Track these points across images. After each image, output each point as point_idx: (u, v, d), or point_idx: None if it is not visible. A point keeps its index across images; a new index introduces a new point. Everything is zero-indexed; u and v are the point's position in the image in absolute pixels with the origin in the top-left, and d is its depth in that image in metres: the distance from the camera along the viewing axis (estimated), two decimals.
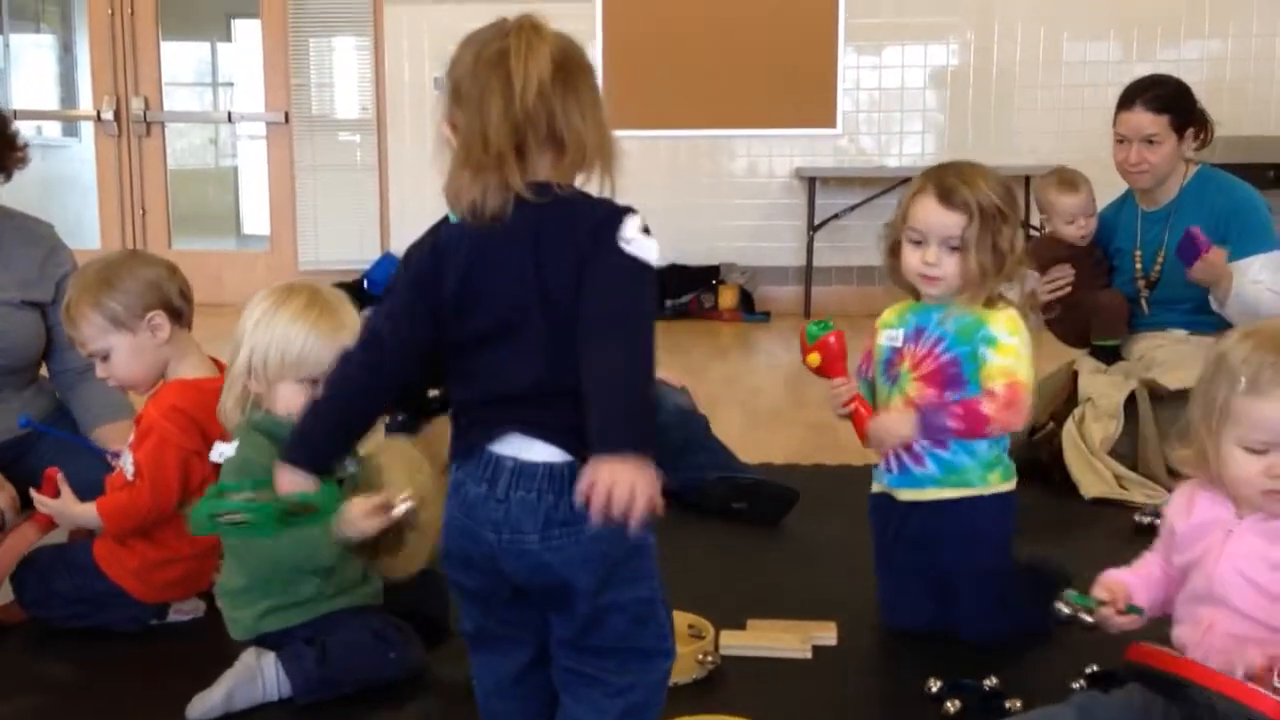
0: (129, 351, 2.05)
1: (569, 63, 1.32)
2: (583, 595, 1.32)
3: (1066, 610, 1.66)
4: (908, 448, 1.95)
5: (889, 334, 1.99)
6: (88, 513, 2.01)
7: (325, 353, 1.78)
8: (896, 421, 1.93)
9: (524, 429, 1.32)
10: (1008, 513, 1.99)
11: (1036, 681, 1.80)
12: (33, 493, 2.06)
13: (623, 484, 1.17)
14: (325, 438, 1.44)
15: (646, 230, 1.30)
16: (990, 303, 1.92)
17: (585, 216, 1.31)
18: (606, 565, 1.32)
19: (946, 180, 1.88)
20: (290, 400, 1.82)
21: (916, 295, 1.99)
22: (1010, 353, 1.89)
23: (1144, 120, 2.99)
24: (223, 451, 1.83)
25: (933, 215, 1.88)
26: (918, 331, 1.95)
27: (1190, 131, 3.01)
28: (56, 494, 2.04)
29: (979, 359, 1.90)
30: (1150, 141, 2.99)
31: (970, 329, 1.90)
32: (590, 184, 1.35)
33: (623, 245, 1.28)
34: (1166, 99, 3.01)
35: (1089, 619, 1.64)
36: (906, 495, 1.98)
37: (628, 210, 1.31)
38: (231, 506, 1.51)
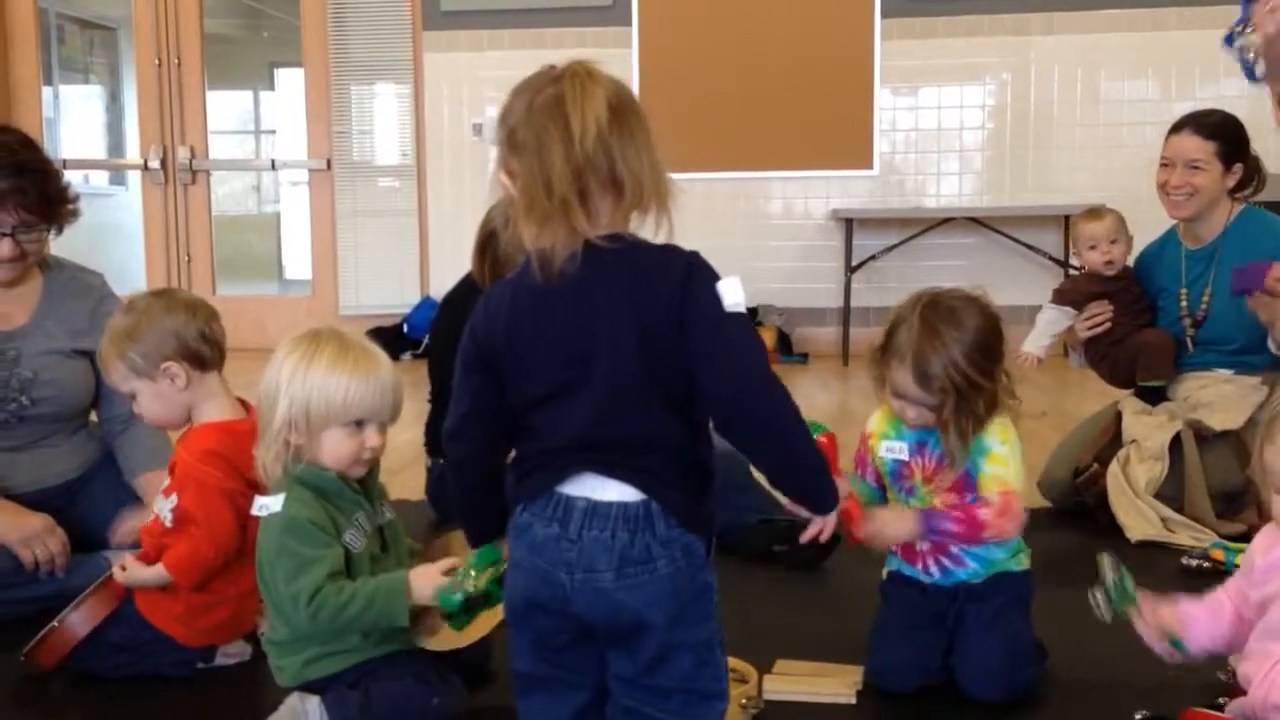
0: (152, 396, 2.08)
1: (623, 105, 1.34)
2: (654, 633, 1.33)
3: (1100, 595, 1.77)
4: (945, 551, 1.98)
5: (889, 445, 2.01)
6: (158, 573, 2.02)
7: (369, 394, 1.80)
8: (895, 521, 1.96)
9: (596, 469, 1.33)
10: (1031, 585, 2.04)
11: None
12: (115, 569, 2.08)
13: (830, 529, 1.50)
14: (490, 522, 1.50)
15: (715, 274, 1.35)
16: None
17: (661, 269, 1.33)
18: (679, 603, 1.34)
19: (924, 357, 1.87)
20: (337, 447, 1.82)
21: None
22: (1000, 461, 1.93)
23: (1190, 144, 2.97)
24: (265, 505, 1.82)
25: (910, 390, 1.91)
26: (920, 444, 1.98)
27: (1237, 168, 2.98)
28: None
29: (975, 467, 1.94)
30: (1194, 167, 2.96)
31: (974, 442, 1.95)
32: (645, 224, 1.37)
33: (726, 308, 1.32)
34: (1215, 126, 3.00)
35: (1104, 614, 1.76)
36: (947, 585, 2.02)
37: (703, 263, 1.34)
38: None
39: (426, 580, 1.76)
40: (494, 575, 1.65)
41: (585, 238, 1.32)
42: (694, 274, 1.33)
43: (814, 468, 1.42)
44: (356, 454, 1.83)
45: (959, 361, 1.86)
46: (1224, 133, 2.99)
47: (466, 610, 1.69)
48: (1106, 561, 1.81)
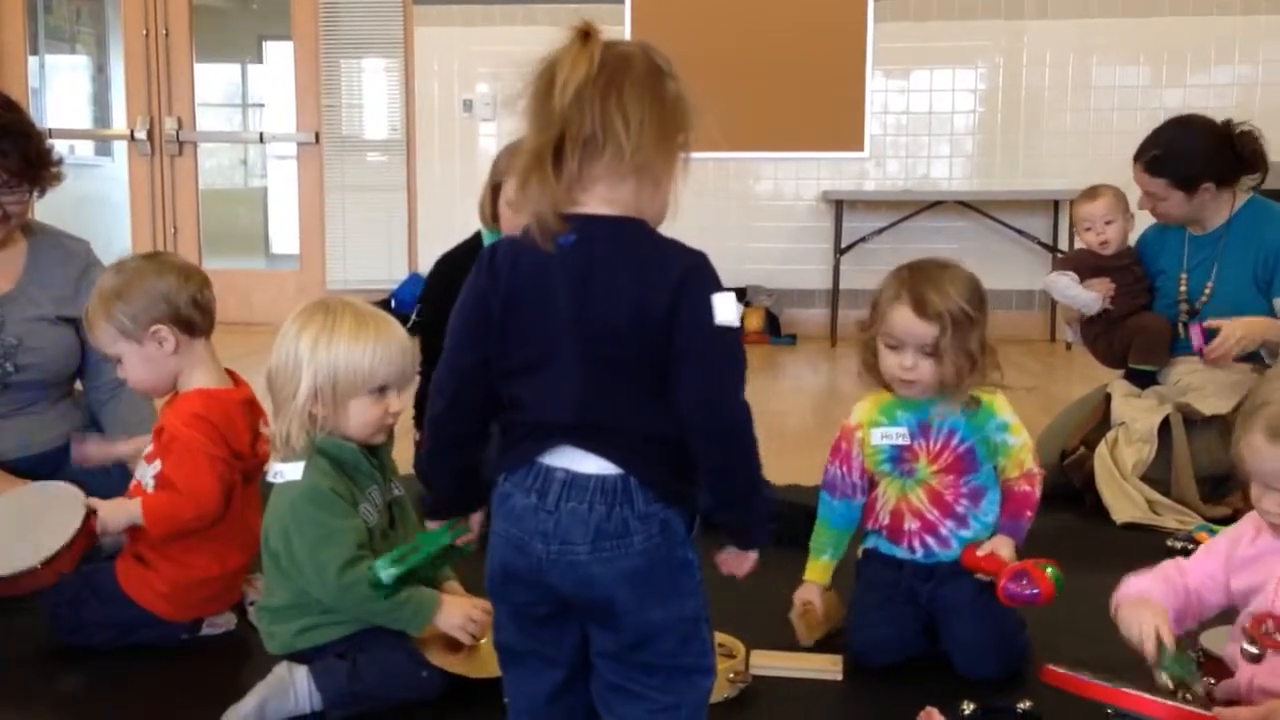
0: (138, 359, 2.06)
1: (620, 65, 1.29)
2: (628, 609, 1.32)
3: (1170, 684, 1.61)
4: (934, 531, 2.03)
5: (884, 432, 2.04)
6: (131, 510, 1.98)
7: (392, 359, 1.84)
8: (1005, 550, 1.98)
9: (576, 443, 1.32)
10: None
11: (1071, 705, 1.78)
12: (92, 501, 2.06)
13: (748, 568, 1.44)
14: (456, 491, 1.47)
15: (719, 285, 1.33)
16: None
17: (664, 264, 1.31)
18: (653, 580, 1.33)
19: (920, 290, 1.95)
20: (363, 413, 1.84)
21: (887, 385, 2.05)
22: (1020, 429, 2.04)
23: (1143, 180, 2.98)
24: (280, 472, 1.82)
25: (909, 324, 1.95)
26: (923, 427, 2.02)
27: (1206, 185, 2.92)
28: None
29: (998, 444, 2.01)
30: (1155, 198, 2.97)
31: (980, 419, 2.01)
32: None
33: (716, 322, 1.30)
34: (1162, 163, 2.92)
35: (1197, 688, 1.61)
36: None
37: (707, 269, 1.32)
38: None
39: (455, 611, 1.83)
40: (426, 558, 1.68)
41: (572, 204, 1.30)
42: (694, 277, 1.31)
43: (751, 499, 1.38)
44: (381, 419, 1.86)
45: (950, 291, 1.94)
46: (1170, 167, 2.91)
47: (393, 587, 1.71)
48: (1165, 681, 1.65)
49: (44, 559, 1.94)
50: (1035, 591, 1.88)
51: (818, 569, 2.12)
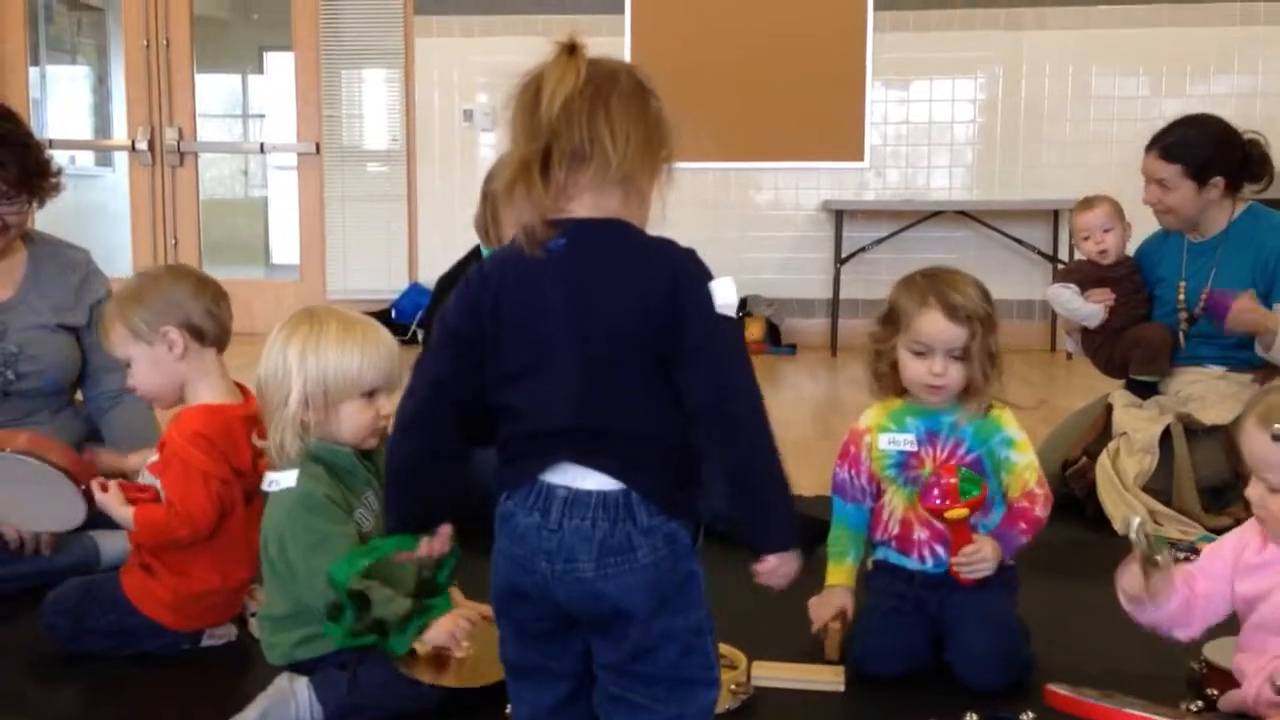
0: (147, 363, 2.07)
1: (606, 80, 1.32)
2: (637, 622, 1.32)
3: (1134, 533, 1.63)
4: (943, 540, 2.02)
5: (891, 438, 2.05)
6: (125, 515, 1.99)
7: (380, 363, 1.85)
8: (990, 556, 1.98)
9: (576, 458, 1.31)
10: (1016, 573, 2.08)
11: (1071, 718, 1.78)
12: (95, 485, 2.06)
13: (788, 574, 1.38)
14: (418, 504, 1.42)
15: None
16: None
17: (657, 262, 1.31)
18: (660, 592, 1.32)
19: (947, 295, 1.96)
20: (355, 417, 1.84)
21: (899, 394, 2.05)
22: (1027, 448, 2.03)
23: (1156, 166, 2.97)
24: (275, 480, 1.83)
25: (940, 329, 1.96)
26: (930, 435, 2.02)
27: (1216, 180, 2.93)
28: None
29: (1001, 459, 2.01)
30: (1164, 187, 2.95)
31: (987, 430, 2.01)
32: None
33: (720, 310, 1.30)
34: (1180, 149, 2.93)
35: (1155, 557, 1.63)
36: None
37: (698, 262, 1.32)
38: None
39: (440, 625, 1.79)
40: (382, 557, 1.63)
41: (559, 211, 1.31)
42: (688, 271, 1.32)
43: (774, 487, 1.33)
44: (373, 422, 1.86)
45: (971, 294, 1.97)
46: (1186, 154, 2.93)
47: (357, 608, 1.68)
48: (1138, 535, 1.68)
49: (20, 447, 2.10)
50: (950, 481, 1.91)
51: (842, 572, 2.11)
